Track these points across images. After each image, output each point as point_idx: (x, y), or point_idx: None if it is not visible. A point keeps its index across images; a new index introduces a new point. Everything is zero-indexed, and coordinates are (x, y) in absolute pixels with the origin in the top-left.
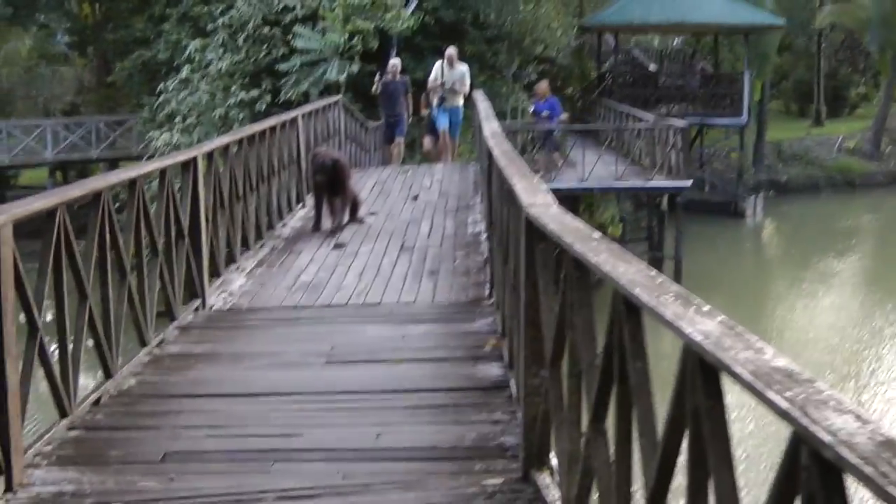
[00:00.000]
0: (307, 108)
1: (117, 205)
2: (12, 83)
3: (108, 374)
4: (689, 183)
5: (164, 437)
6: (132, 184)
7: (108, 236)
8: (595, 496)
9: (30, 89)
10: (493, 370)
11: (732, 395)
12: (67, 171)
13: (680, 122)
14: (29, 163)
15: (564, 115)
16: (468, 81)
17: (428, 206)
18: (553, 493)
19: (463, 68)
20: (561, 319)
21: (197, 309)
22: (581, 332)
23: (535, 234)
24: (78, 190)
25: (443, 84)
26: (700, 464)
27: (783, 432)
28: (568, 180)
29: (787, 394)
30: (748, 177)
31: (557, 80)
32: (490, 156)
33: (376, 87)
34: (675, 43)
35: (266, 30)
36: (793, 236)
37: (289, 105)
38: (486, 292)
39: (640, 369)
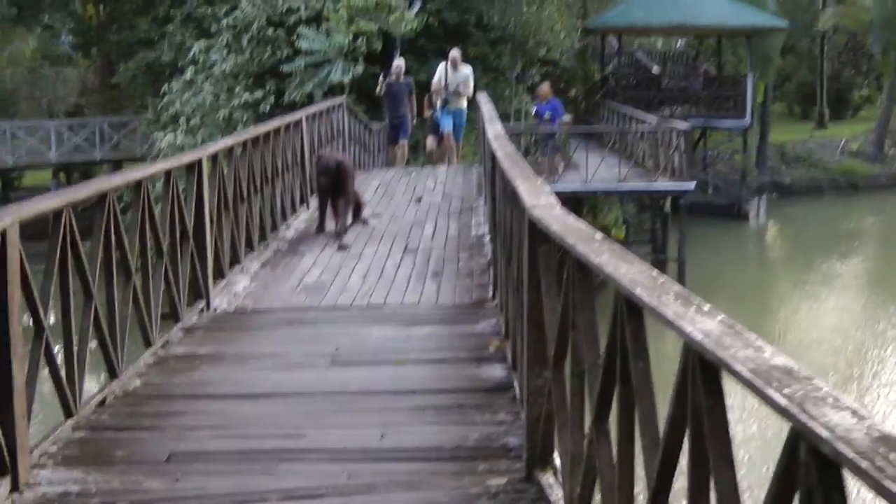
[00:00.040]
0: (311, 109)
1: (121, 206)
2: (16, 84)
3: (113, 375)
4: (692, 185)
5: (170, 437)
6: (137, 185)
7: (113, 237)
8: (598, 496)
9: (33, 90)
10: (496, 371)
11: (735, 398)
12: (71, 172)
13: (683, 125)
14: (32, 164)
15: (567, 117)
16: (472, 84)
17: (432, 208)
18: (556, 493)
19: (467, 70)
20: (564, 320)
21: (201, 310)
22: (583, 333)
23: (539, 235)
24: (84, 191)
25: (446, 86)
26: (701, 462)
27: (784, 434)
28: (571, 182)
29: (786, 391)
30: (751, 179)
31: (561, 82)
32: (493, 158)
33: (380, 89)
34: (678, 45)
35: (270, 31)
36: (796, 238)
37: (293, 106)
38: (490, 294)
39: (642, 369)
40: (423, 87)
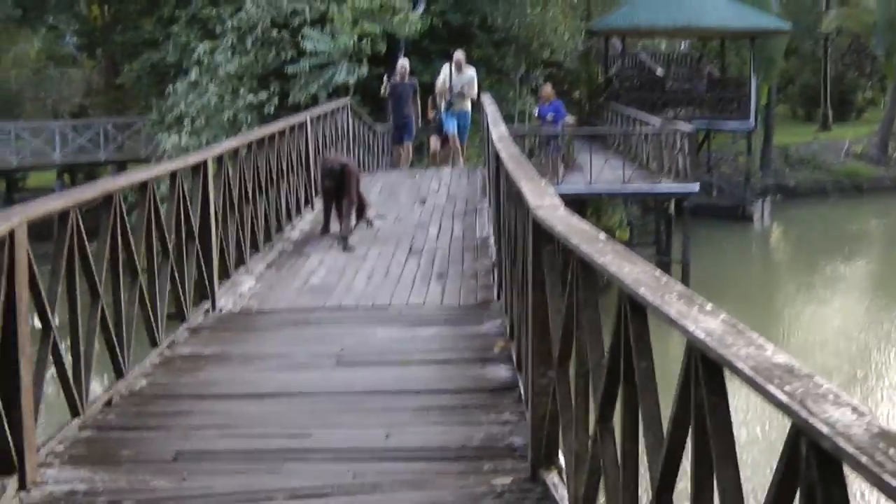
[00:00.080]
0: (316, 111)
1: (126, 206)
2: (21, 85)
3: (119, 375)
4: (696, 187)
5: (176, 437)
6: (143, 186)
7: (119, 238)
8: (603, 494)
9: (38, 91)
10: (501, 372)
11: (739, 400)
12: (75, 173)
13: (687, 126)
14: (37, 165)
15: (571, 119)
16: (476, 85)
17: (436, 209)
18: (561, 492)
19: (471, 72)
20: (568, 320)
21: (207, 311)
22: (588, 332)
23: (543, 235)
24: (90, 192)
25: (451, 88)
26: (704, 459)
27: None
28: (575, 184)
29: (787, 388)
30: (755, 181)
31: (564, 83)
32: (498, 159)
33: (385, 89)
34: (681, 47)
35: (274, 33)
36: (800, 240)
37: (297, 108)
38: (495, 295)
39: (646, 368)
40: (427, 89)
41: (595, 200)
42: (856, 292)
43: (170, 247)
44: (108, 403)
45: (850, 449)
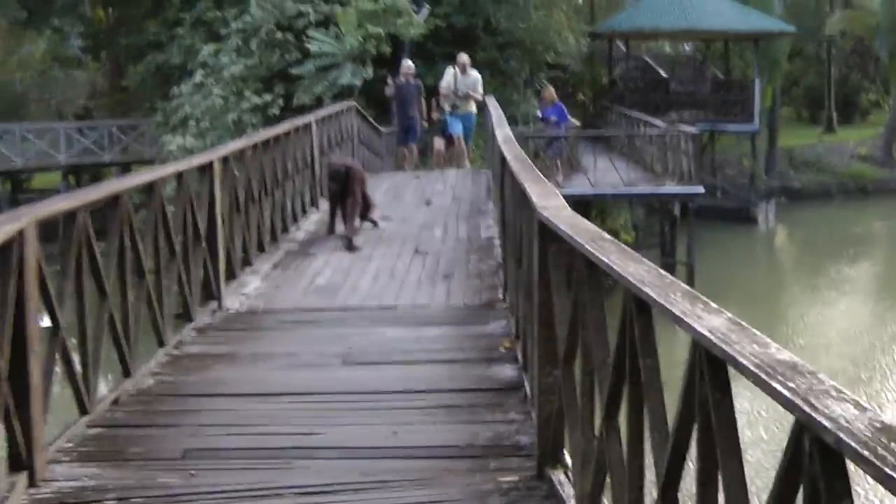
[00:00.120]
0: (321, 112)
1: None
2: (26, 86)
3: (126, 374)
4: (701, 189)
5: (184, 434)
6: (150, 187)
7: (127, 239)
8: (609, 491)
9: (43, 93)
10: (506, 371)
11: (744, 401)
12: (80, 174)
13: (691, 128)
14: (42, 166)
15: (575, 121)
16: (481, 88)
17: (441, 210)
18: (567, 490)
19: (476, 75)
20: (573, 319)
21: (214, 311)
22: (593, 332)
23: (548, 235)
24: (99, 192)
25: (456, 90)
26: (709, 455)
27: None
28: (579, 186)
29: (791, 384)
30: (760, 183)
31: (569, 86)
32: (503, 161)
33: (390, 90)
34: (685, 49)
35: (279, 35)
36: (805, 242)
37: (301, 110)
38: (500, 295)
39: (651, 366)
40: (431, 91)
41: (600, 202)
42: (861, 294)
43: (177, 247)
44: (116, 402)
45: (852, 443)
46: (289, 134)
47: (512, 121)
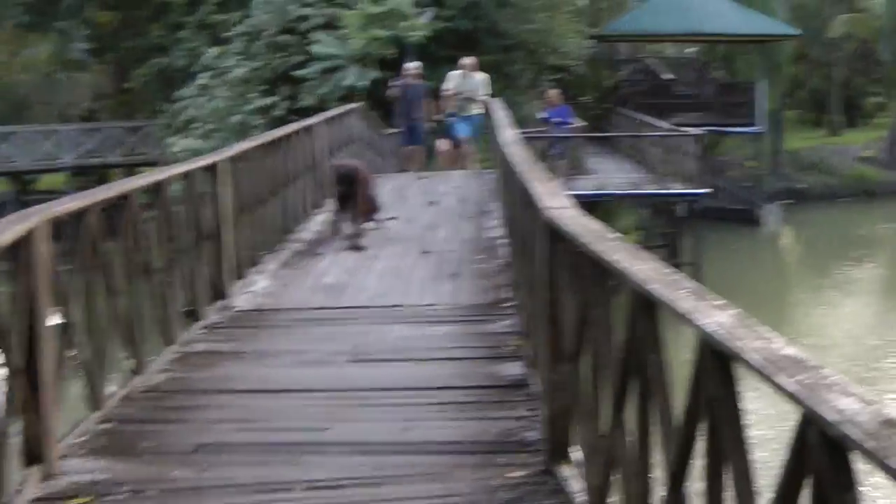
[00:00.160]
0: (326, 114)
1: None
2: (31, 89)
3: (136, 371)
4: (707, 190)
5: (194, 429)
6: (159, 187)
7: (136, 238)
8: (617, 485)
9: (47, 95)
10: (513, 369)
11: (753, 404)
12: (86, 175)
13: (696, 130)
14: (48, 167)
15: (579, 122)
16: (486, 90)
17: (446, 211)
18: (574, 485)
19: (480, 77)
20: (581, 316)
21: (221, 309)
22: (600, 328)
23: (555, 235)
24: (108, 192)
25: (460, 92)
26: (716, 449)
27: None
28: (584, 187)
29: (796, 378)
30: (765, 185)
31: (572, 88)
32: (509, 162)
33: (395, 90)
34: (689, 52)
35: (283, 37)
36: (810, 244)
37: (306, 111)
38: (506, 294)
39: (658, 361)
40: (435, 93)
41: (605, 204)
42: (865, 296)
43: (185, 246)
44: (127, 398)
45: (857, 435)
46: (295, 135)
47: (515, 123)
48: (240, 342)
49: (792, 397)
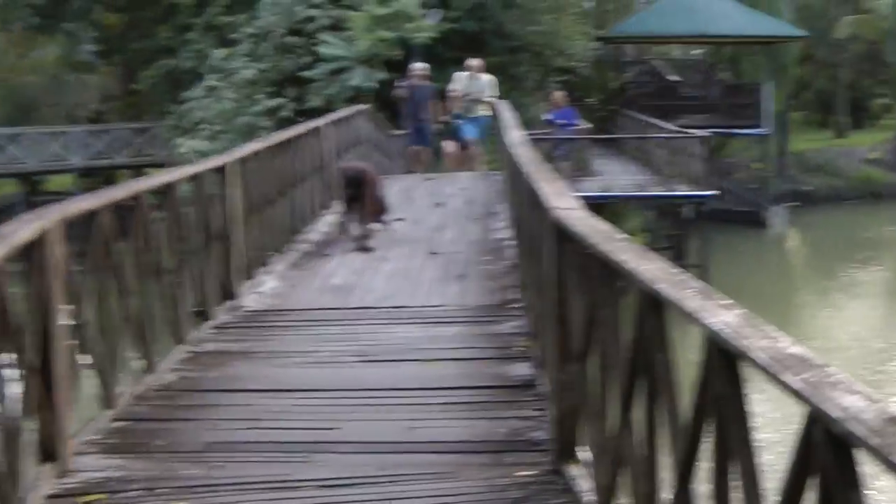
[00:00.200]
0: (333, 116)
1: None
2: (38, 91)
3: (148, 370)
4: (713, 192)
5: (205, 428)
6: (169, 188)
7: (147, 238)
8: (625, 484)
9: (55, 97)
10: (521, 369)
11: (759, 406)
12: (94, 177)
13: (702, 132)
14: (56, 168)
15: (584, 123)
16: (493, 91)
17: (453, 212)
18: (582, 484)
19: (486, 78)
20: (588, 316)
21: (231, 309)
22: (608, 328)
23: (563, 235)
24: (121, 192)
25: (467, 94)
26: (723, 447)
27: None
28: (590, 189)
29: (802, 376)
30: (771, 187)
31: (578, 90)
32: (516, 163)
33: (403, 91)
34: (696, 54)
35: (290, 39)
36: (816, 246)
37: (313, 113)
38: (513, 296)
39: (665, 361)
40: (441, 94)
41: (611, 206)
42: (871, 298)
43: (194, 247)
44: (138, 397)
45: (861, 432)
46: (302, 137)
47: (522, 125)
48: (249, 342)
49: (797, 395)
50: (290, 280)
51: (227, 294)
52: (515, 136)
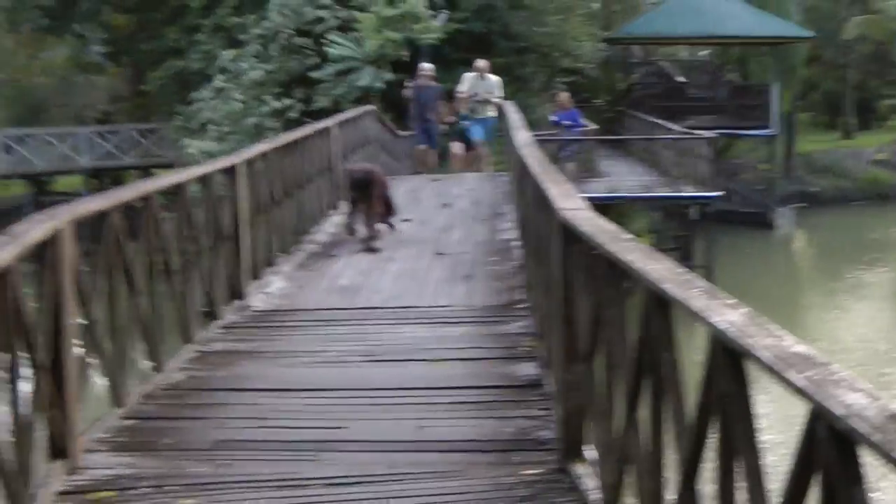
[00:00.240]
0: (341, 117)
1: None
2: (48, 92)
3: (156, 369)
4: (719, 193)
5: (213, 426)
6: (178, 188)
7: (155, 238)
8: (631, 482)
9: (64, 98)
10: (528, 369)
11: (763, 408)
12: (102, 177)
13: (709, 133)
14: (64, 169)
15: (590, 124)
16: (500, 93)
17: (460, 213)
18: (588, 483)
19: (494, 79)
20: (595, 317)
21: (239, 309)
22: (614, 328)
23: (570, 236)
24: (131, 193)
25: (474, 95)
26: (728, 445)
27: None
28: (597, 190)
29: (805, 374)
30: (778, 188)
31: (585, 91)
32: (523, 164)
33: (410, 91)
34: (703, 55)
35: (298, 40)
36: (823, 247)
37: (321, 114)
38: (520, 296)
39: (671, 360)
40: (447, 95)
41: (617, 206)
42: (878, 300)
43: (202, 247)
44: (147, 395)
45: (863, 429)
46: (310, 138)
47: (528, 125)
48: (257, 342)
49: (801, 392)
50: (297, 280)
51: (235, 294)
52: (522, 137)
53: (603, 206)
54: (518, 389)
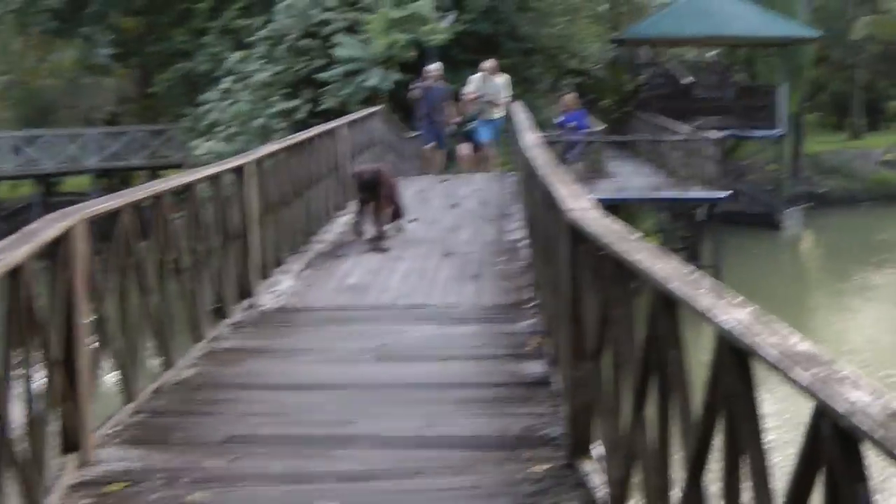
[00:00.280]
0: (349, 117)
1: None
2: (56, 93)
3: (167, 365)
4: (727, 193)
5: (224, 422)
6: (188, 188)
7: (167, 237)
8: (638, 479)
9: (72, 99)
10: (535, 367)
11: (772, 405)
12: (110, 178)
13: (716, 134)
14: (72, 170)
15: (597, 124)
16: (508, 93)
17: (468, 213)
18: (596, 479)
19: (501, 80)
20: (602, 315)
21: (248, 308)
22: (621, 326)
23: (578, 235)
24: (141, 192)
25: (481, 96)
26: (734, 444)
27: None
28: (605, 191)
29: (810, 372)
30: (785, 189)
31: (593, 92)
32: (531, 164)
33: (418, 92)
34: (710, 55)
35: (305, 41)
36: (831, 248)
37: (328, 114)
38: (528, 295)
39: (678, 358)
40: (455, 96)
41: (625, 207)
42: (886, 302)
43: (212, 247)
44: (158, 391)
45: (867, 426)
46: (318, 138)
47: (536, 126)
48: (266, 340)
49: (806, 390)
50: (305, 279)
51: (245, 293)
52: (530, 137)
53: (611, 207)
54: (526, 387)
